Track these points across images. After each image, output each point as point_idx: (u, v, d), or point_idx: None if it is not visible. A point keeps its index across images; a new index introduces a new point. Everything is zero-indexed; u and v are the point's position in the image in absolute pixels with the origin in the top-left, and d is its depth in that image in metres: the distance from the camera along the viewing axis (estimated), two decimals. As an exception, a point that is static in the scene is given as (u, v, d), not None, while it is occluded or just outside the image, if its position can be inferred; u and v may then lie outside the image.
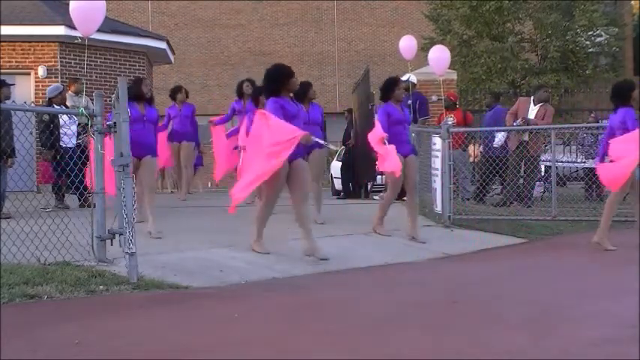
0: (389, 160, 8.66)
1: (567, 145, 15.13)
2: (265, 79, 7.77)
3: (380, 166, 9.16)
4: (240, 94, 12.18)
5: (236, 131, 11.59)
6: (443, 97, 14.05)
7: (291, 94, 7.94)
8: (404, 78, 13.83)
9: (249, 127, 10.43)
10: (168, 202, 11.62)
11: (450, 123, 12.23)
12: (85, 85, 11.85)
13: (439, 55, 13.85)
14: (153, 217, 8.46)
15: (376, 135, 8.94)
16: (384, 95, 9.22)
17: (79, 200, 10.19)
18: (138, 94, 8.66)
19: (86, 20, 10.04)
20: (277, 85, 7.67)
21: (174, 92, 13.38)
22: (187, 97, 13.60)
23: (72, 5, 10.08)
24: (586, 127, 14.63)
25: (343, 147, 16.59)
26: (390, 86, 9.15)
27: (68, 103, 11.57)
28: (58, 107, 10.77)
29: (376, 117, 9.44)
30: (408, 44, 14.50)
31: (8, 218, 8.24)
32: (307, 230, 7.55)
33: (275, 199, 7.73)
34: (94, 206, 6.79)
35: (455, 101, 14.44)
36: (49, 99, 11.22)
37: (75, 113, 7.71)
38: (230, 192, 7.72)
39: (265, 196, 7.75)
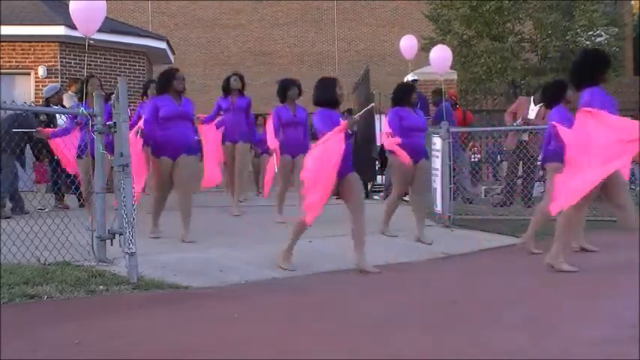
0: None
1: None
2: (584, 62, 6.96)
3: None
4: (227, 89, 10.63)
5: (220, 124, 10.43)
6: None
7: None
8: (410, 78, 13.93)
9: (276, 127, 9.46)
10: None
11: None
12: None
13: (440, 55, 13.87)
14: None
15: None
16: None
17: (79, 200, 10.16)
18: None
19: (87, 20, 10.03)
20: (595, 73, 6.82)
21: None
22: None
23: (72, 5, 10.07)
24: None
25: None
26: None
27: (67, 104, 11.58)
28: (56, 107, 10.79)
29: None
30: (408, 44, 14.54)
31: (8, 218, 8.25)
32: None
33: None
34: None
35: (455, 101, 14.46)
36: (47, 99, 11.23)
37: (75, 113, 7.71)
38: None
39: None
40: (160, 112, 7.99)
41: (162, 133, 7.99)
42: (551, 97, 8.06)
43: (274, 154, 9.67)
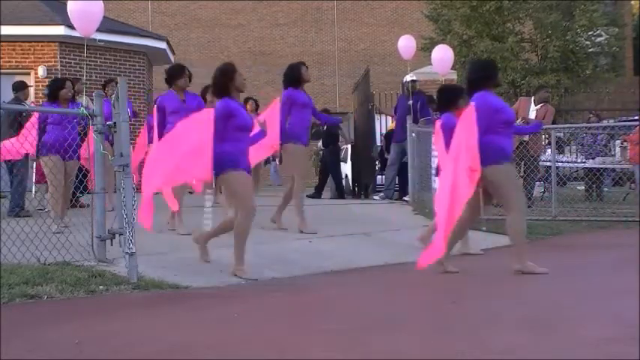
0: None
1: (567, 145, 15.16)
2: None
3: None
4: (299, 81, 9.02)
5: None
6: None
7: None
8: (410, 79, 13.92)
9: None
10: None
11: None
12: (85, 85, 11.85)
13: (442, 56, 13.87)
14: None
15: None
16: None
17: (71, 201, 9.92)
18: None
19: (85, 21, 10.00)
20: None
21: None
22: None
23: (69, 7, 10.03)
24: (586, 127, 14.66)
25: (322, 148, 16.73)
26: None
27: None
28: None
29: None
30: (406, 44, 14.55)
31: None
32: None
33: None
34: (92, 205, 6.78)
35: (454, 101, 14.45)
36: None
37: (75, 113, 7.70)
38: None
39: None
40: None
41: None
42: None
43: None
